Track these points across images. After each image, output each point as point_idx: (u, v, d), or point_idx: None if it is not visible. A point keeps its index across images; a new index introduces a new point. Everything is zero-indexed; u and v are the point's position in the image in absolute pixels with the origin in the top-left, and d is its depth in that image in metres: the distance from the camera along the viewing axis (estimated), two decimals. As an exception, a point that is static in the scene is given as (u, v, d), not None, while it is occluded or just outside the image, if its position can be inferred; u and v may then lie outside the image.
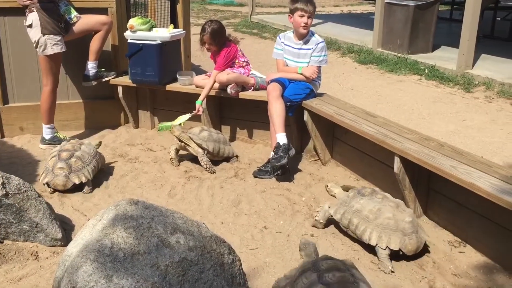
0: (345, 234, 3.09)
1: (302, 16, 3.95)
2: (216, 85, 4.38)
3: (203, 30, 4.35)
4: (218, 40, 4.35)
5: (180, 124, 4.19)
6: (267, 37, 10.73)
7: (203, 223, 2.14)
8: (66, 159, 3.59)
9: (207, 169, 3.94)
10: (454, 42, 8.10)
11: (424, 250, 2.89)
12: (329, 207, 3.14)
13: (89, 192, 3.63)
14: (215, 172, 3.96)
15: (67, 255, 1.87)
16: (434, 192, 3.26)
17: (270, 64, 7.62)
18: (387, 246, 2.78)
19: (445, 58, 7.67)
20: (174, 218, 2.01)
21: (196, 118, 4.46)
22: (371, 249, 2.89)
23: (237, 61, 4.44)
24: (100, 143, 4.09)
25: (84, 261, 1.70)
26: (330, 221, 3.20)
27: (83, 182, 3.59)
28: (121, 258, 1.73)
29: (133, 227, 1.83)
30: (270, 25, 11.98)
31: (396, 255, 2.82)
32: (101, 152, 3.97)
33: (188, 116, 4.29)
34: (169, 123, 4.21)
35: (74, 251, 1.83)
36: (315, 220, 3.20)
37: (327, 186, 3.47)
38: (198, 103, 4.28)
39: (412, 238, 2.80)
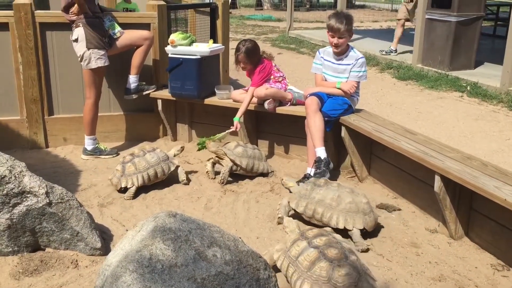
0: (308, 223, 3.29)
1: (332, 36, 3.97)
2: (254, 99, 4.41)
3: (237, 49, 4.40)
4: (253, 59, 4.39)
5: (220, 140, 4.23)
6: (304, 52, 10.75)
7: (240, 238, 2.14)
8: (125, 162, 3.81)
9: (221, 181, 3.98)
10: (497, 59, 7.90)
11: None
12: (288, 202, 3.35)
13: (130, 199, 3.73)
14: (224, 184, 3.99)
15: (107, 265, 1.90)
16: (476, 213, 3.16)
17: (307, 79, 7.63)
18: (353, 227, 3.11)
19: (488, 75, 7.48)
20: (211, 231, 2.03)
21: (233, 133, 4.49)
22: (337, 232, 2.96)
23: (272, 76, 4.46)
24: (182, 148, 4.17)
25: (124, 272, 1.73)
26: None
27: (128, 187, 3.71)
28: (159, 270, 1.75)
29: (171, 239, 1.86)
30: (307, 41, 12.00)
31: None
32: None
33: (226, 133, 4.33)
34: (206, 139, 4.25)
35: (113, 261, 1.87)
36: (279, 217, 3.38)
37: (282, 179, 3.63)
38: (235, 120, 4.31)
39: (371, 217, 3.20)
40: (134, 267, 1.74)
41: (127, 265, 1.75)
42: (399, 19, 9.49)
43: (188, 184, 4.02)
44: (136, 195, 3.79)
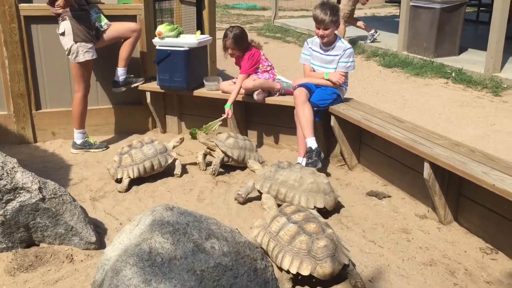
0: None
1: (318, 27, 3.99)
2: (242, 91, 4.42)
3: (225, 36, 4.41)
4: (241, 45, 4.39)
5: (213, 130, 4.27)
6: (290, 41, 10.74)
7: (236, 229, 2.17)
8: (123, 153, 3.86)
9: (212, 172, 4.02)
10: (481, 44, 7.99)
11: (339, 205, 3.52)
12: (253, 184, 3.53)
13: (123, 191, 3.75)
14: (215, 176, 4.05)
15: (106, 259, 1.92)
16: (465, 198, 3.23)
17: (295, 68, 7.65)
18: (315, 206, 3.27)
19: (472, 61, 7.57)
20: (208, 223, 2.05)
21: (223, 123, 4.50)
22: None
23: (261, 65, 4.47)
24: (181, 139, 4.18)
25: (124, 265, 1.75)
26: (249, 199, 3.62)
27: (124, 178, 3.76)
28: (159, 263, 1.77)
29: (169, 232, 1.88)
30: (293, 29, 11.99)
31: (320, 212, 3.18)
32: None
33: (218, 121, 4.34)
34: (197, 130, 4.26)
35: (113, 255, 1.88)
36: (238, 194, 3.61)
37: (248, 162, 3.82)
38: (227, 107, 4.32)
39: (331, 196, 3.38)
40: (134, 260, 1.76)
41: (127, 259, 1.77)
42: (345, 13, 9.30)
43: (180, 177, 4.03)
44: (129, 187, 3.80)
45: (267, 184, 3.45)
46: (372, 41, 9.36)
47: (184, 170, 4.12)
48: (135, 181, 3.89)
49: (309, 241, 2.58)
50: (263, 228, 2.84)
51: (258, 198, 3.66)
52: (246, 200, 3.61)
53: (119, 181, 3.86)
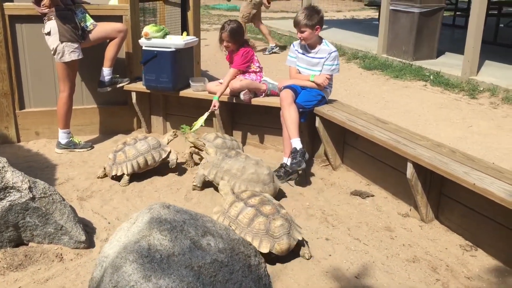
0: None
1: (297, 30, 4.09)
2: (228, 91, 4.47)
3: (222, 28, 4.45)
4: (237, 39, 4.45)
5: (201, 125, 4.35)
6: (272, 43, 10.81)
7: (230, 226, 2.22)
8: (117, 151, 3.96)
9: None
10: (458, 48, 8.21)
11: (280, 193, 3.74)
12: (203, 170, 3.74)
13: (125, 185, 3.88)
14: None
15: (104, 256, 1.95)
16: (446, 197, 3.35)
17: (277, 69, 7.74)
18: None
19: (449, 65, 7.77)
20: (204, 221, 2.10)
21: (209, 123, 4.55)
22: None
23: (252, 65, 4.53)
24: (174, 133, 4.23)
25: (124, 262, 1.79)
26: (207, 185, 3.83)
27: (118, 174, 3.87)
28: (158, 259, 1.82)
29: (167, 229, 1.92)
30: (274, 31, 12.07)
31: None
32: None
33: (206, 115, 4.39)
34: (187, 128, 4.30)
35: (111, 252, 1.92)
36: (193, 185, 3.81)
37: (204, 144, 3.96)
38: (215, 99, 4.37)
39: (270, 187, 3.58)
40: (134, 257, 1.80)
41: (127, 255, 1.81)
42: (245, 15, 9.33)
43: (176, 168, 4.08)
44: (130, 181, 3.94)
45: (213, 171, 3.69)
46: (270, 53, 9.46)
47: (168, 169, 4.14)
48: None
49: (267, 221, 2.87)
50: (222, 214, 3.11)
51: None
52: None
53: (114, 178, 3.94)
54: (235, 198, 3.12)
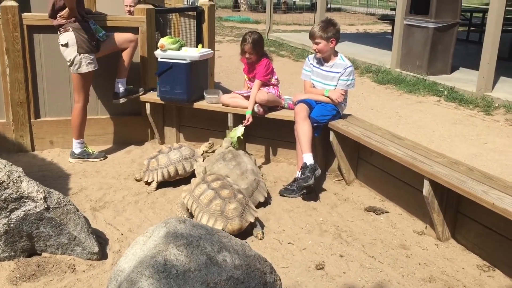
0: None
1: (312, 43, 4.10)
2: (244, 103, 4.45)
3: (244, 40, 4.46)
4: (258, 50, 4.46)
5: (241, 137, 4.34)
6: (284, 55, 10.86)
7: (246, 242, 2.20)
8: (151, 158, 4.10)
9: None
10: (472, 64, 8.17)
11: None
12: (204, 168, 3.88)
13: (152, 191, 3.99)
14: None
15: (119, 270, 1.93)
16: (462, 216, 3.30)
17: (289, 82, 7.74)
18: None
19: (464, 80, 7.72)
20: (219, 236, 2.08)
21: (220, 135, 4.53)
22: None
23: (271, 77, 4.54)
24: (210, 144, 4.34)
25: (140, 277, 1.77)
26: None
27: (149, 181, 4.02)
28: (174, 275, 1.80)
29: (184, 245, 1.90)
30: (287, 43, 12.12)
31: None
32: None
33: (241, 128, 4.36)
34: (230, 137, 4.31)
35: (126, 266, 1.90)
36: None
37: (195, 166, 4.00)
38: (248, 113, 4.36)
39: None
40: (150, 272, 1.78)
41: (143, 270, 1.79)
42: None
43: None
44: (157, 188, 4.02)
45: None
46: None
47: (178, 181, 4.13)
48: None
49: (223, 204, 3.24)
50: (189, 192, 3.45)
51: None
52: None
53: (147, 183, 4.07)
54: (201, 180, 3.45)
